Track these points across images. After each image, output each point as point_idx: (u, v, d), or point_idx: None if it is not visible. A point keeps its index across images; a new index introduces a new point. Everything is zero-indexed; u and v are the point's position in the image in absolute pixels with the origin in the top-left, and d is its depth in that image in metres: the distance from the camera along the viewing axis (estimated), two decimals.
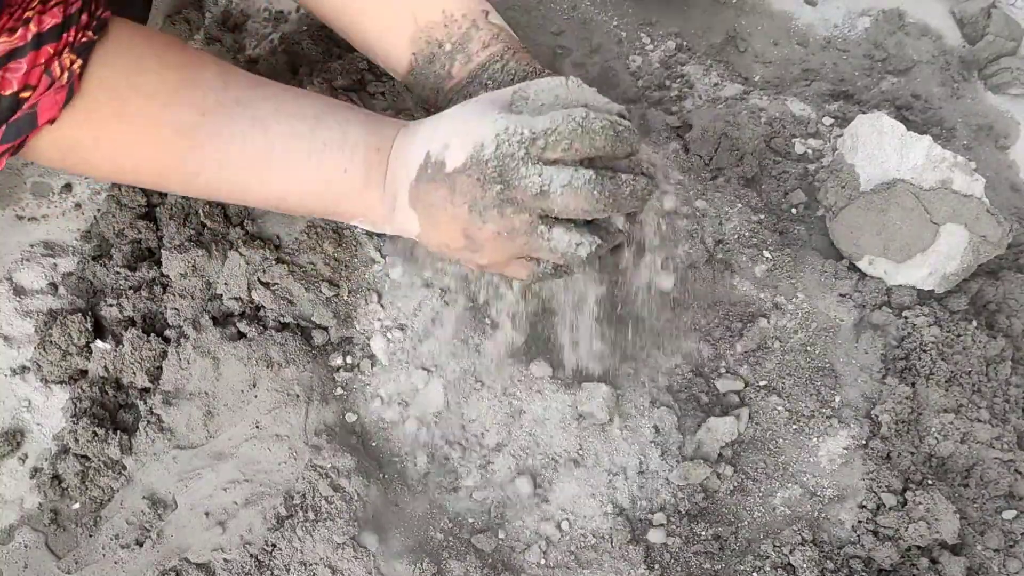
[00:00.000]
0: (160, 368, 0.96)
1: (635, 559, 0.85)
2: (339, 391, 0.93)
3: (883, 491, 0.88)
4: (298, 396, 0.91)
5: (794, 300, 0.99)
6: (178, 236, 1.00)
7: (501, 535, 0.87)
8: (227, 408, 0.93)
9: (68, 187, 1.09)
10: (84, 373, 0.98)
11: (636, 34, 1.22)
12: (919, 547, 0.87)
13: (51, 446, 0.96)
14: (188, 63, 0.71)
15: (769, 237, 1.01)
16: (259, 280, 0.95)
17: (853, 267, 1.01)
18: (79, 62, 0.64)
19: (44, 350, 0.98)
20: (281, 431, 0.90)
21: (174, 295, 0.98)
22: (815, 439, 0.92)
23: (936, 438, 0.92)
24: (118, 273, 1.02)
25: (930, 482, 0.89)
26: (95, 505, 0.92)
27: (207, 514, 0.87)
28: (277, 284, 0.95)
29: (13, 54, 0.61)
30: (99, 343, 0.98)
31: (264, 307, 0.96)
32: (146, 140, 0.68)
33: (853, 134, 1.02)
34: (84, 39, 0.64)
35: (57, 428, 0.97)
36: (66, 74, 0.63)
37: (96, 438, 0.93)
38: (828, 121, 1.12)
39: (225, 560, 0.84)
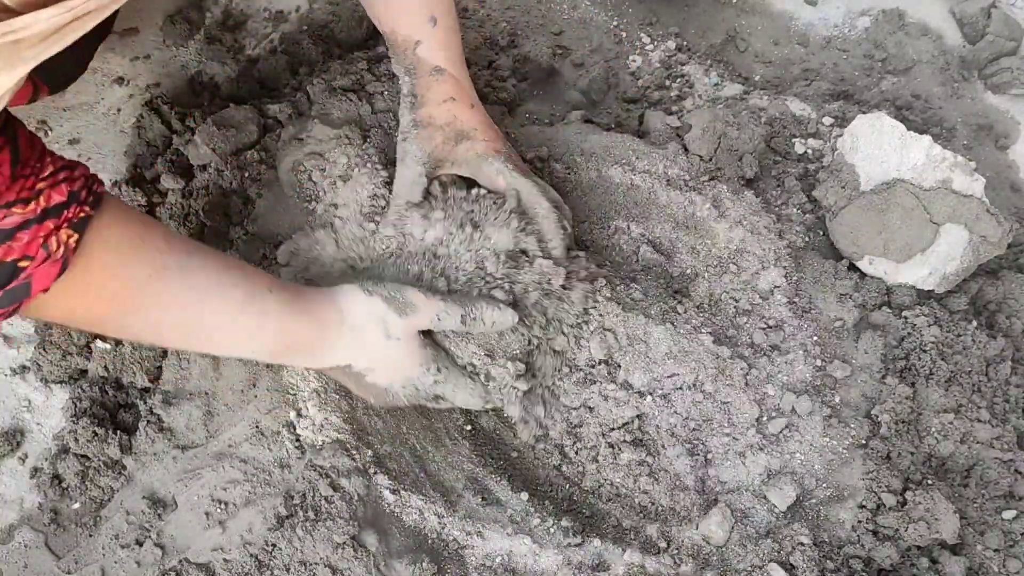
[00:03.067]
0: (160, 368, 0.96)
1: None
2: None
3: (883, 491, 0.88)
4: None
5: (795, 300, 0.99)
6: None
7: None
8: (227, 408, 0.93)
9: None
10: (84, 373, 0.98)
11: (636, 34, 1.22)
12: (919, 547, 0.87)
13: (51, 446, 0.96)
14: (146, 228, 0.77)
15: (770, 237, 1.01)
16: None
17: (853, 267, 1.01)
18: (75, 236, 0.68)
19: (44, 350, 0.98)
20: (281, 431, 0.90)
21: None
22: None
23: (936, 438, 0.92)
24: None
25: (930, 482, 0.89)
26: (95, 505, 0.92)
27: (207, 514, 0.87)
28: None
29: (23, 225, 0.65)
30: (99, 343, 0.98)
31: None
32: (102, 299, 0.74)
33: (853, 134, 1.02)
34: (82, 214, 0.69)
35: (57, 428, 0.97)
36: (61, 248, 0.67)
37: (96, 438, 0.93)
38: (828, 121, 1.12)
39: (225, 560, 0.84)
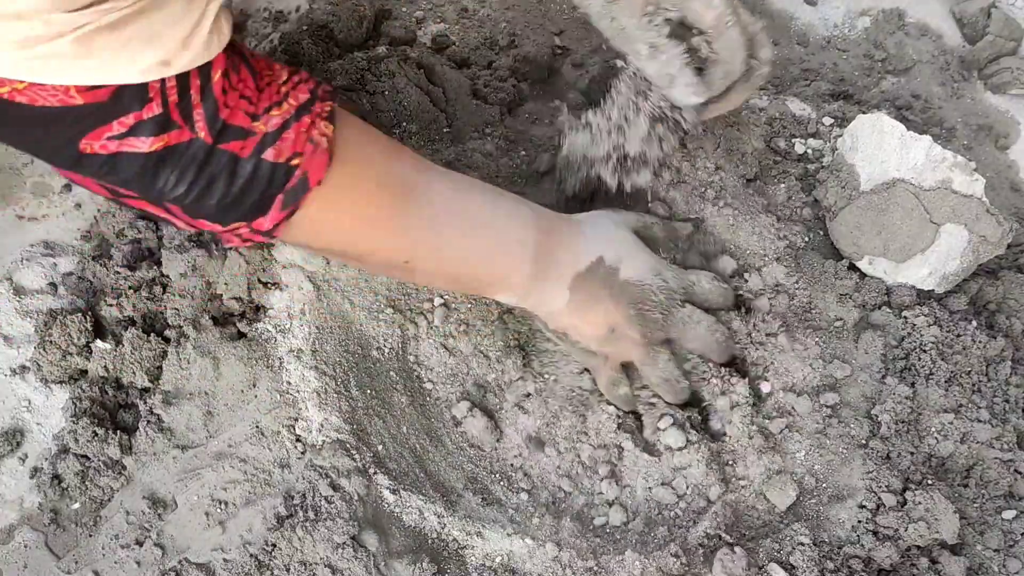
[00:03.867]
0: (160, 368, 0.96)
1: None
2: None
3: (883, 491, 0.88)
4: None
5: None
6: (178, 236, 1.00)
7: None
8: (227, 408, 0.93)
9: (68, 187, 1.09)
10: (84, 373, 0.98)
11: None
12: (919, 547, 0.87)
13: (51, 446, 0.96)
14: (389, 135, 0.84)
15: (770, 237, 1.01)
16: (259, 280, 0.95)
17: (853, 267, 1.01)
18: (332, 127, 0.72)
19: (44, 350, 0.98)
20: (281, 431, 0.90)
21: (174, 295, 0.98)
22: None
23: (936, 438, 0.92)
24: (118, 273, 1.02)
25: (930, 482, 0.89)
26: (95, 505, 0.92)
27: (207, 514, 0.87)
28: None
29: (285, 126, 0.69)
30: (99, 343, 0.98)
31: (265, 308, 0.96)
32: (383, 192, 0.77)
33: (853, 134, 1.02)
34: (329, 108, 0.72)
35: (57, 428, 0.97)
36: (324, 139, 0.71)
37: (96, 438, 0.93)
38: (828, 121, 1.12)
39: (225, 560, 0.84)
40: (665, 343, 0.92)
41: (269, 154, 0.68)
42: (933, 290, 0.99)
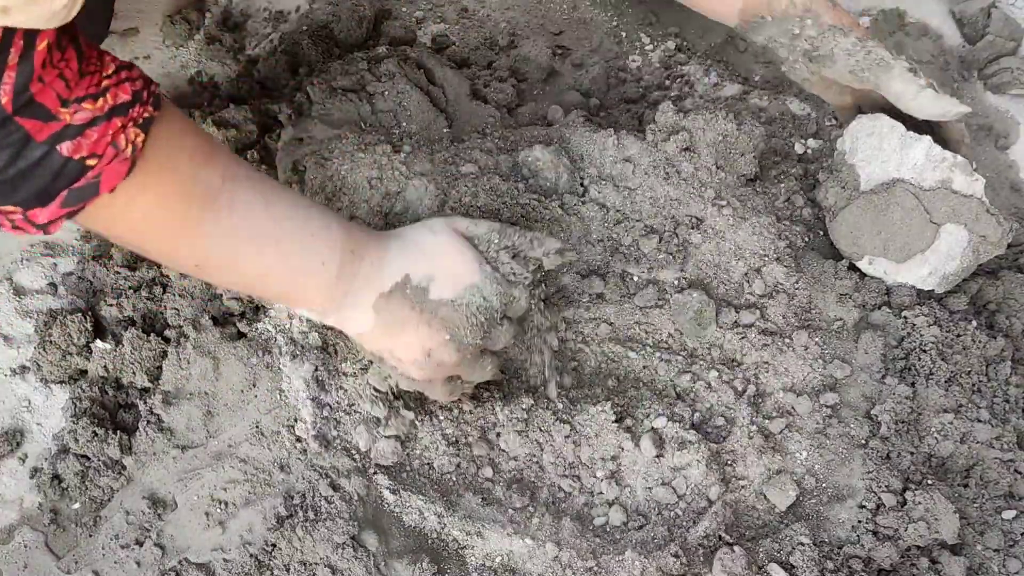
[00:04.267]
0: (160, 368, 0.96)
1: None
2: None
3: (883, 491, 0.88)
4: None
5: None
6: None
7: None
8: (227, 408, 0.93)
9: None
10: (84, 373, 0.98)
11: (636, 34, 1.22)
12: (919, 547, 0.87)
13: (51, 446, 0.96)
14: (209, 138, 0.79)
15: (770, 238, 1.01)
16: None
17: (853, 267, 1.01)
18: (142, 136, 0.69)
19: (44, 350, 0.98)
20: (281, 431, 0.90)
21: (174, 295, 0.98)
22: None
23: (936, 438, 0.92)
24: (118, 273, 1.02)
25: (930, 482, 0.89)
26: (95, 505, 0.92)
27: (207, 514, 0.87)
28: None
29: (92, 122, 0.65)
30: (99, 343, 0.98)
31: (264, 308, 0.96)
32: (181, 200, 0.73)
33: (853, 134, 1.02)
34: (147, 114, 0.69)
35: (57, 428, 0.97)
36: (130, 147, 0.68)
37: (96, 438, 0.93)
38: (828, 121, 1.11)
39: (225, 560, 0.84)
40: (486, 352, 0.88)
41: (65, 147, 0.64)
42: (933, 290, 0.99)
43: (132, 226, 0.73)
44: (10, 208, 0.66)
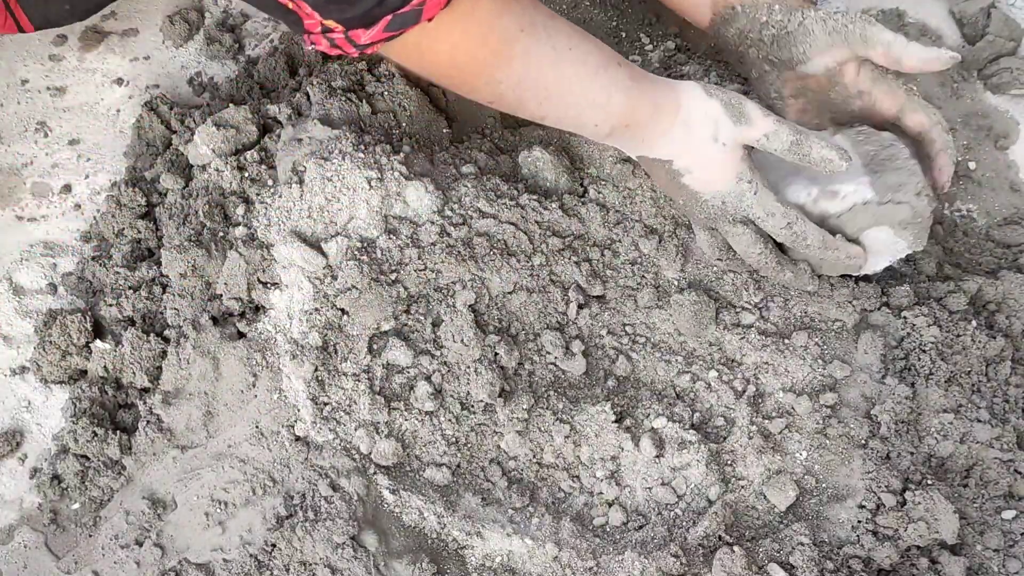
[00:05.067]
0: (160, 368, 0.96)
1: None
2: None
3: (883, 491, 0.88)
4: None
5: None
6: (178, 236, 1.00)
7: None
8: (227, 408, 0.93)
9: (68, 188, 1.09)
10: (84, 373, 0.98)
11: (636, 34, 1.22)
12: (919, 547, 0.87)
13: (51, 446, 0.96)
14: None
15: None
16: (259, 280, 0.95)
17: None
18: None
19: (44, 350, 0.98)
20: (281, 431, 0.90)
21: (174, 295, 0.98)
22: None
23: (936, 438, 0.92)
24: (118, 273, 1.02)
25: (930, 482, 0.89)
26: (95, 505, 0.92)
27: (207, 514, 0.87)
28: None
29: None
30: (99, 343, 0.98)
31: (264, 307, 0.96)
32: (480, 44, 0.80)
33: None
34: None
35: (57, 428, 0.97)
36: None
37: (96, 438, 0.93)
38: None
39: (225, 560, 0.84)
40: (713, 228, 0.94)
41: None
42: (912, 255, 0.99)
43: (439, 59, 0.80)
44: (334, 25, 0.73)
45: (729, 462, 0.91)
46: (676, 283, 0.99)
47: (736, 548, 0.85)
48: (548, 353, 0.95)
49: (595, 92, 0.86)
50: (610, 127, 0.89)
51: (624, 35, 1.22)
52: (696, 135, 0.89)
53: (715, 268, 0.99)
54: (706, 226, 0.95)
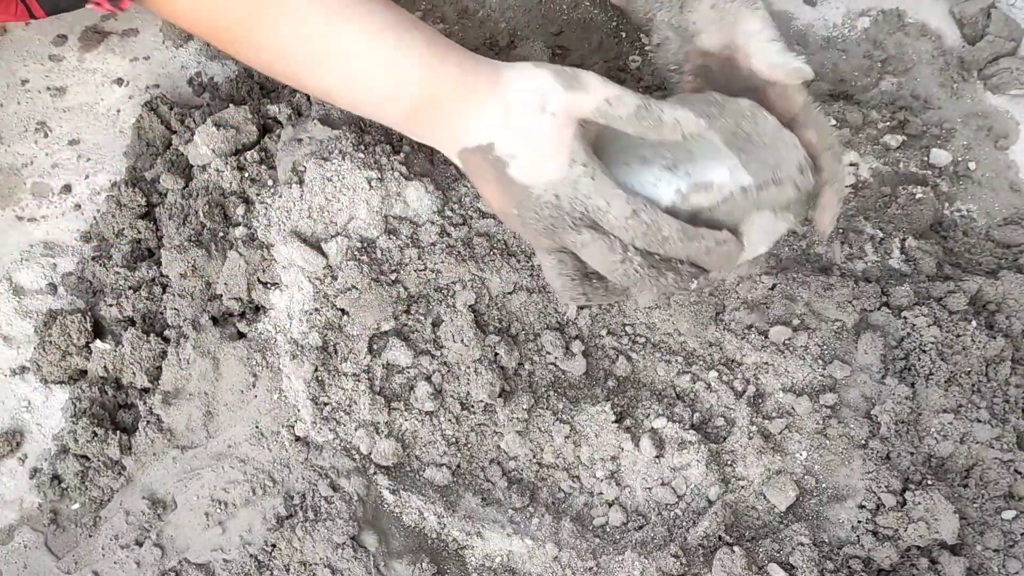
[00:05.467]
0: (160, 368, 0.96)
1: None
2: None
3: (882, 491, 0.88)
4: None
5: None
6: (178, 236, 1.00)
7: None
8: (227, 408, 0.93)
9: (68, 188, 1.09)
10: (84, 373, 0.98)
11: (636, 34, 1.22)
12: (919, 547, 0.87)
13: (51, 446, 0.96)
14: None
15: None
16: (259, 280, 0.95)
17: (845, 275, 1.01)
18: None
19: (43, 350, 0.98)
20: (281, 431, 0.90)
21: (174, 295, 0.98)
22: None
23: (936, 438, 0.92)
24: (118, 273, 1.02)
25: (930, 482, 0.89)
26: (95, 505, 0.92)
27: (207, 514, 0.87)
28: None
29: None
30: (99, 343, 0.98)
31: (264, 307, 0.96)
32: (233, 2, 0.71)
33: None
34: None
35: (57, 428, 0.97)
36: None
37: (96, 438, 0.93)
38: (829, 121, 1.11)
39: (225, 560, 0.84)
40: (561, 250, 0.77)
41: None
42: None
43: (197, 16, 0.72)
44: None
45: (729, 462, 0.92)
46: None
47: (736, 548, 0.85)
48: (548, 353, 0.95)
49: (382, 57, 0.73)
50: (409, 103, 0.75)
51: (624, 35, 1.22)
52: (519, 106, 0.73)
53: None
54: (550, 248, 0.78)
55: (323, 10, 0.72)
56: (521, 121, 0.74)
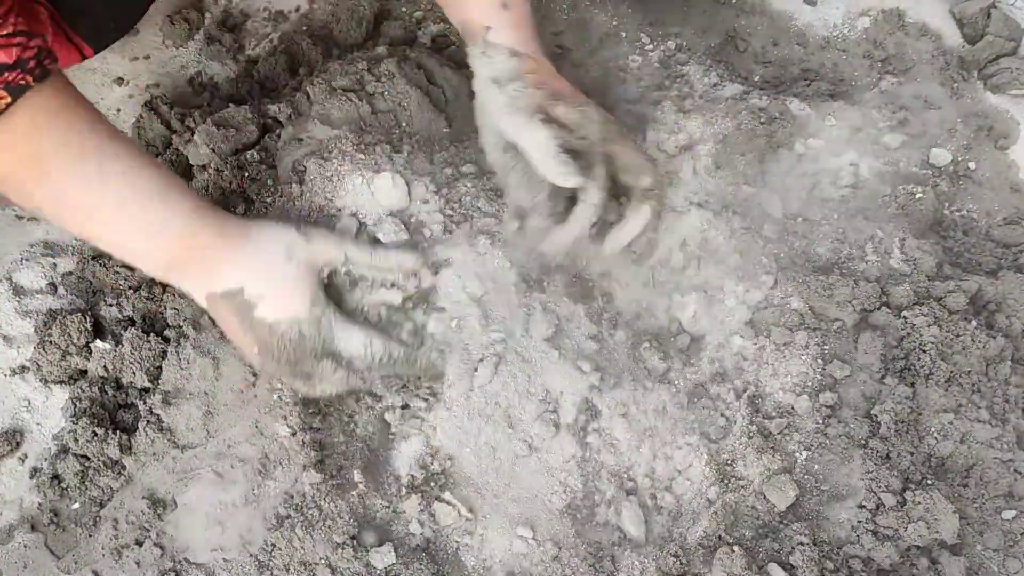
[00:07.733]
0: (160, 368, 0.96)
1: None
2: None
3: (882, 491, 0.88)
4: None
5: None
6: None
7: None
8: (227, 408, 0.93)
9: None
10: (84, 373, 0.98)
11: (636, 34, 1.22)
12: (919, 547, 0.87)
13: (51, 446, 0.96)
14: (85, 132, 0.80)
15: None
16: None
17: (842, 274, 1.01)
18: (7, 100, 0.72)
19: (44, 350, 0.98)
20: (280, 431, 0.90)
21: (174, 295, 0.98)
22: None
23: (936, 438, 0.92)
24: (118, 273, 1.02)
25: (930, 482, 0.89)
26: (95, 505, 0.92)
27: (207, 514, 0.87)
28: None
29: None
30: (99, 343, 0.98)
31: None
32: (12, 156, 0.77)
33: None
34: (22, 82, 0.72)
35: (57, 428, 0.97)
36: None
37: (96, 438, 0.93)
38: (829, 122, 1.11)
39: (225, 560, 0.84)
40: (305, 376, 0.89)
41: None
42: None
43: None
44: None
45: (729, 462, 0.92)
46: (676, 284, 0.99)
47: (736, 548, 0.85)
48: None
49: (148, 217, 0.82)
50: (167, 255, 0.84)
51: (624, 35, 1.22)
52: (267, 255, 0.86)
53: (717, 268, 0.99)
54: (299, 389, 0.90)
55: (98, 176, 0.80)
56: (270, 267, 0.86)
